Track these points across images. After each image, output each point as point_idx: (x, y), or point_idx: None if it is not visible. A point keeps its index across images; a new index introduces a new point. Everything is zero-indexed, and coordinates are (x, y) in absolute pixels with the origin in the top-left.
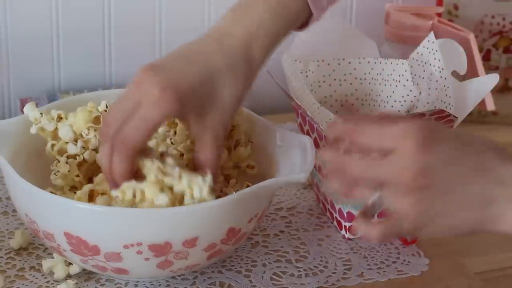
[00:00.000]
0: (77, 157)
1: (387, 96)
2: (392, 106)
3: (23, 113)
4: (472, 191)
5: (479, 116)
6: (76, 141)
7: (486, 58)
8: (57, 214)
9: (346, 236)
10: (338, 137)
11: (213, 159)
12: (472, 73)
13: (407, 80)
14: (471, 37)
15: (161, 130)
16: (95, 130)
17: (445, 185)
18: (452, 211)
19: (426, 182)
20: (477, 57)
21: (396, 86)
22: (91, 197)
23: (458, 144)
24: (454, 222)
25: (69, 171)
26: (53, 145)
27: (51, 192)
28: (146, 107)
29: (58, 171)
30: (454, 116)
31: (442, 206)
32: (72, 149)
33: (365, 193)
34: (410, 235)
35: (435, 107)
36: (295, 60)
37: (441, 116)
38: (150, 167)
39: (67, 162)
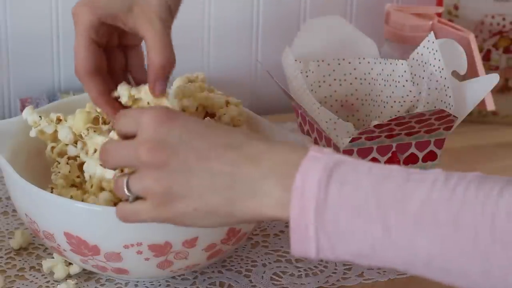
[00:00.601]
0: (77, 158)
1: (387, 97)
2: (391, 107)
3: (22, 115)
4: (218, 170)
5: (479, 116)
6: (76, 143)
7: (486, 58)
8: (57, 214)
9: None
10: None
11: (158, 59)
12: (472, 73)
13: (407, 80)
14: (471, 37)
15: None
16: (94, 131)
17: (186, 162)
18: (197, 193)
19: (162, 156)
20: (477, 57)
21: (396, 86)
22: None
23: (203, 122)
24: (200, 206)
25: (70, 171)
26: (53, 148)
27: (52, 188)
28: (75, 32)
29: (59, 172)
30: (454, 116)
31: (185, 186)
32: (72, 151)
33: (120, 181)
34: (160, 221)
35: (435, 107)
36: (295, 60)
37: (441, 116)
38: (120, 91)
39: (67, 163)
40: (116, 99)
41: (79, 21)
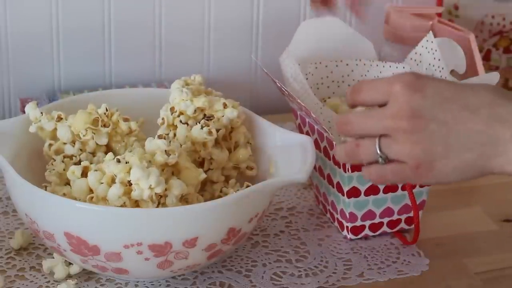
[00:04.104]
0: (74, 157)
1: None
2: None
3: (23, 113)
4: (473, 130)
5: None
6: (74, 143)
7: (486, 58)
8: (57, 214)
9: (348, 237)
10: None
11: None
12: (472, 73)
13: None
14: (471, 37)
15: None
16: (93, 132)
17: (443, 124)
18: (454, 152)
19: (420, 121)
20: (477, 57)
21: None
22: (84, 174)
23: (451, 84)
24: (458, 164)
25: (64, 169)
26: (50, 145)
27: (45, 186)
28: None
29: (53, 169)
30: None
31: (443, 146)
32: (69, 149)
33: (370, 149)
34: (418, 180)
35: None
36: (294, 62)
37: None
38: None
39: (63, 161)
40: None
41: None
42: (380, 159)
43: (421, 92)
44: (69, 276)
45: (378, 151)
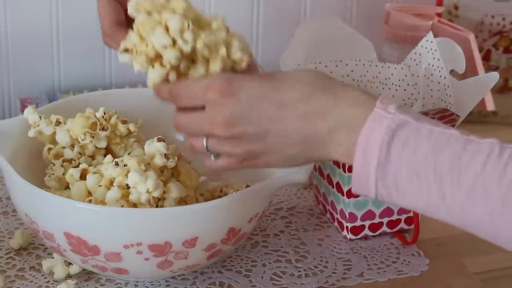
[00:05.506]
0: (73, 161)
1: None
2: None
3: (24, 113)
4: (290, 128)
5: (479, 116)
6: (73, 147)
7: (486, 58)
8: (57, 214)
9: (348, 237)
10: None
11: None
12: (472, 73)
13: (408, 84)
14: (471, 37)
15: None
16: (91, 136)
17: (260, 125)
18: (275, 149)
19: (236, 128)
20: (477, 57)
21: (396, 90)
22: (83, 176)
23: (265, 82)
24: (282, 157)
25: (63, 174)
26: (49, 149)
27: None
28: None
29: (53, 174)
30: (457, 115)
31: (262, 146)
32: (68, 153)
33: (199, 144)
34: (251, 167)
35: (433, 105)
36: (294, 63)
37: (444, 115)
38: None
39: (62, 166)
40: None
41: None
42: (211, 156)
43: (233, 97)
44: (69, 276)
45: (206, 151)
